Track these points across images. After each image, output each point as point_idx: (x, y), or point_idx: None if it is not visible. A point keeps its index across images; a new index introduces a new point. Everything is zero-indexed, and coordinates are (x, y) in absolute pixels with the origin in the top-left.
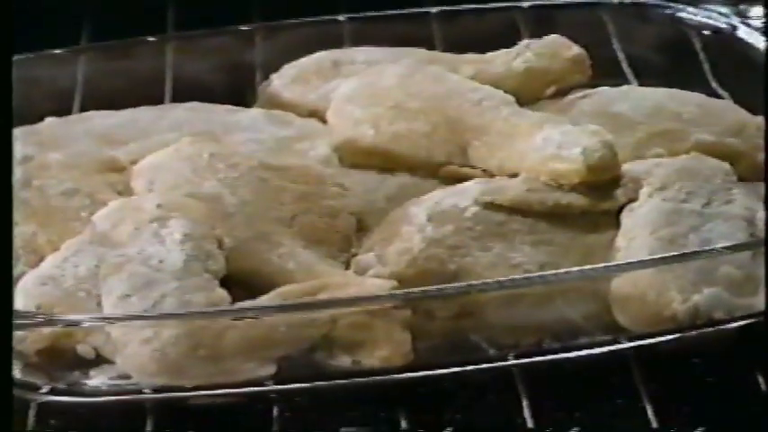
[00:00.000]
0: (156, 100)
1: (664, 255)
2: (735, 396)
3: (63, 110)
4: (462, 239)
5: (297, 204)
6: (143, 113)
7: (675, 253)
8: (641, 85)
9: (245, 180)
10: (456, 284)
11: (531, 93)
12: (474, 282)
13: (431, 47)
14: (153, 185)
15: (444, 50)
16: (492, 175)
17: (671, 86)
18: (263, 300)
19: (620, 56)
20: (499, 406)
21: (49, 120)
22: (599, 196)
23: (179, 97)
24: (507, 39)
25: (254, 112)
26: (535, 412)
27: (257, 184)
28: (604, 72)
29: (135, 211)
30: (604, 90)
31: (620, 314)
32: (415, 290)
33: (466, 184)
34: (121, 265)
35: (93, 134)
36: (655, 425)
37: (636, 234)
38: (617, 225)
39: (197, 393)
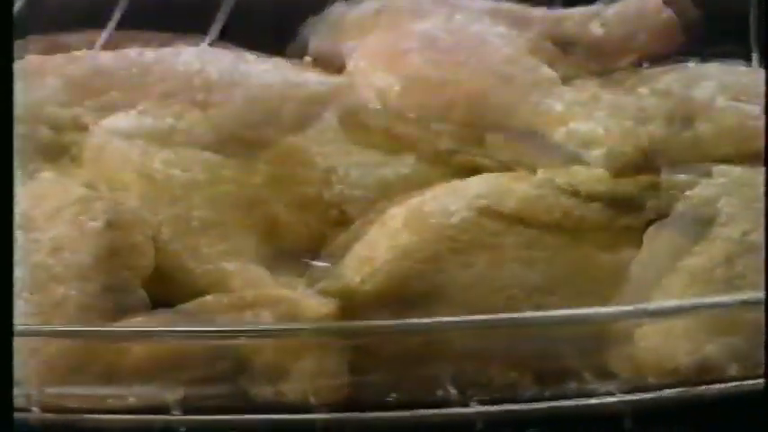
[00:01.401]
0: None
1: (673, 304)
2: None
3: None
4: (440, 252)
5: (262, 190)
6: (139, 56)
7: (686, 303)
8: None
9: (205, 157)
10: (402, 322)
11: (603, 61)
12: (424, 320)
13: None
14: (101, 156)
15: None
16: (510, 170)
17: None
18: (180, 309)
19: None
20: None
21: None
22: (623, 208)
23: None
24: None
25: (268, 65)
26: None
27: (220, 162)
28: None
29: (60, 187)
30: (693, 66)
31: (615, 359)
32: (348, 325)
33: (469, 180)
34: (29, 254)
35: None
36: None
37: (654, 263)
38: (639, 242)
39: (84, 417)
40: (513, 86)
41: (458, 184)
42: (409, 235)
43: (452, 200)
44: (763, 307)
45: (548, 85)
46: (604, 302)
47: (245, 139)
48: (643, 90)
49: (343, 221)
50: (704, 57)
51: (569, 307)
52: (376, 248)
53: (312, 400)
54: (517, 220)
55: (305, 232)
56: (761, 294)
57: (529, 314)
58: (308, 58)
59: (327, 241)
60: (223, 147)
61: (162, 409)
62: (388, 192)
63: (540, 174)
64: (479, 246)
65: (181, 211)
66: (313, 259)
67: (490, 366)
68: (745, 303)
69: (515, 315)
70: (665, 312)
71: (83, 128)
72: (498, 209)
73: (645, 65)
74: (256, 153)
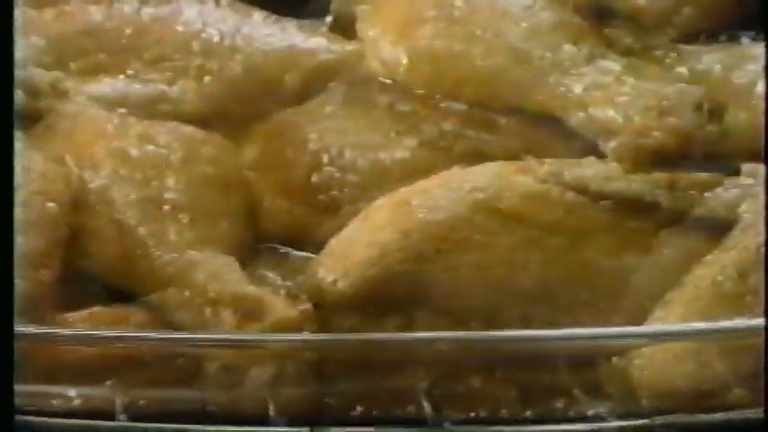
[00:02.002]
0: None
1: (663, 328)
2: None
3: None
4: (424, 252)
5: (245, 170)
6: (136, 14)
7: (675, 327)
8: None
9: (186, 132)
10: (366, 337)
11: (641, 36)
12: (391, 335)
13: None
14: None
15: None
16: (517, 158)
17: None
18: (141, 302)
19: None
20: None
21: None
22: (634, 209)
23: None
24: None
25: (274, 29)
26: None
27: (202, 139)
28: None
29: (23, 161)
30: (744, 45)
31: (608, 376)
32: (305, 338)
33: (468, 170)
34: None
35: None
36: None
37: (661, 273)
38: (647, 249)
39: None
40: (530, 65)
41: (455, 173)
42: (392, 232)
43: (445, 193)
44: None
45: (568, 65)
46: (599, 315)
47: (240, 111)
48: (681, 70)
49: (332, 209)
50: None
51: (559, 319)
52: (354, 245)
53: (271, 410)
54: (514, 218)
55: (289, 220)
56: (761, 321)
57: (509, 333)
58: (329, 18)
59: (313, 231)
60: (213, 119)
61: (107, 413)
62: (384, 178)
63: (548, 166)
64: (468, 246)
65: (152, 193)
66: (297, 250)
67: (470, 378)
68: (744, 330)
69: (494, 333)
70: (654, 336)
71: (62, 93)
72: (495, 205)
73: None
74: (247, 127)
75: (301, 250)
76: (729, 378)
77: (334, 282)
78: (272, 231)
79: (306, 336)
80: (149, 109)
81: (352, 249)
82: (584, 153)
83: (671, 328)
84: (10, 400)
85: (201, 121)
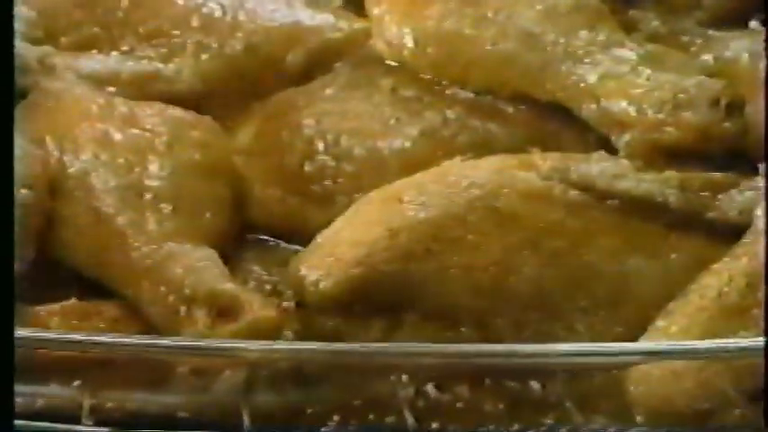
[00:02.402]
0: None
1: (657, 346)
2: None
3: None
4: (413, 252)
5: (235, 156)
6: None
7: (671, 346)
8: None
9: (175, 114)
10: (340, 348)
11: (669, 19)
12: (368, 346)
13: None
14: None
15: None
16: (524, 151)
17: None
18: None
19: None
20: None
21: None
22: (642, 210)
23: None
24: None
25: (280, 3)
26: None
27: (192, 122)
28: None
29: None
30: None
31: (602, 390)
32: (276, 347)
33: (468, 164)
34: None
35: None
36: None
37: (666, 280)
38: (653, 254)
39: None
40: (542, 51)
41: (453, 167)
42: (380, 230)
43: (439, 188)
44: (762, 353)
45: (582, 53)
46: (597, 323)
47: (238, 91)
48: (706, 57)
49: (325, 200)
50: None
51: (553, 327)
52: (339, 242)
53: (245, 419)
54: (512, 217)
55: (279, 210)
56: (760, 341)
57: (496, 346)
58: None
59: (304, 223)
60: (208, 100)
61: (73, 417)
62: (380, 169)
63: (552, 161)
64: (461, 247)
65: (133, 180)
66: (287, 243)
67: (457, 387)
68: (743, 350)
69: (479, 347)
70: (649, 354)
71: (50, 69)
72: (492, 203)
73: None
74: (245, 108)
75: (291, 243)
76: (731, 397)
77: (317, 281)
78: (261, 222)
79: (279, 344)
80: (141, 88)
81: (338, 247)
82: (596, 147)
83: (666, 346)
84: (10, 402)
85: (196, 101)
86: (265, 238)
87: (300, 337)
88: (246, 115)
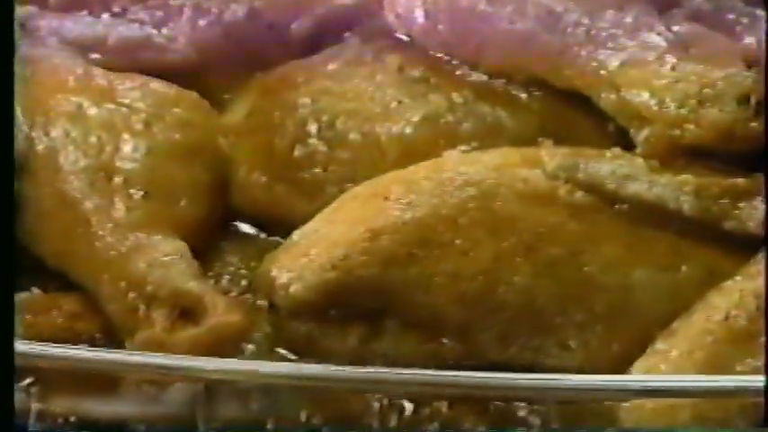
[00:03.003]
0: None
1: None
2: None
3: None
4: (395, 256)
5: (219, 136)
6: None
7: (667, 383)
8: None
9: (158, 88)
10: (304, 371)
11: None
12: (331, 370)
13: None
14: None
15: None
16: (534, 142)
17: None
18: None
19: None
20: None
21: None
22: (653, 215)
23: None
24: None
25: None
26: None
27: (174, 97)
28: None
29: None
30: None
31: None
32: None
33: (468, 157)
34: None
35: None
36: None
37: (674, 295)
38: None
39: None
40: (562, 33)
41: (449, 160)
42: (361, 230)
43: (431, 186)
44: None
45: (607, 36)
46: (592, 340)
47: (236, 62)
48: (749, 40)
49: (314, 190)
50: None
51: (544, 343)
52: (316, 241)
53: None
54: (508, 220)
55: (264, 198)
56: (761, 381)
57: (476, 375)
58: None
59: (290, 213)
60: (203, 72)
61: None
62: (377, 157)
63: (560, 158)
64: (448, 252)
65: (104, 161)
66: (272, 234)
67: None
68: (743, 390)
69: (458, 377)
70: (640, 393)
71: (31, 33)
72: (488, 204)
73: None
74: (241, 82)
75: (275, 234)
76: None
77: (287, 284)
78: (244, 210)
79: (235, 364)
80: (129, 56)
81: (314, 247)
82: (615, 140)
83: (660, 384)
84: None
85: (189, 73)
86: (247, 227)
87: (272, 340)
88: (243, 90)
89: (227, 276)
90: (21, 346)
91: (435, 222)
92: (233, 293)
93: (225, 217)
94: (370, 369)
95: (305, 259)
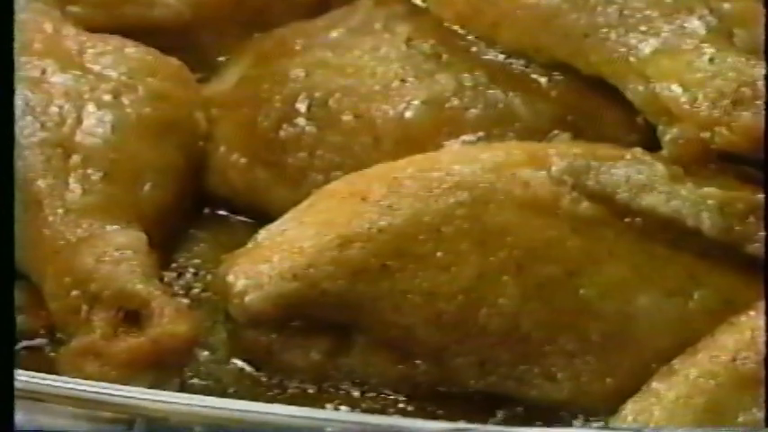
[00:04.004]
0: None
1: None
2: None
3: None
4: (366, 266)
5: (198, 110)
6: None
7: None
8: None
9: (135, 55)
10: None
11: None
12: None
13: None
14: None
15: None
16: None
17: None
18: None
19: None
20: None
21: None
22: (668, 230)
23: None
24: None
25: None
26: None
27: (151, 65)
28: None
29: None
30: None
31: None
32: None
33: (466, 152)
34: None
35: None
36: None
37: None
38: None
39: None
40: (591, 12)
41: (447, 155)
42: (331, 236)
43: (416, 187)
44: None
45: (641, 18)
46: (583, 373)
47: (234, 22)
48: None
49: (297, 177)
50: None
51: (526, 374)
52: (281, 244)
53: None
54: (498, 232)
55: (243, 182)
56: None
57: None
58: None
59: (270, 200)
60: (196, 31)
61: None
62: (369, 144)
63: (571, 158)
64: (426, 265)
65: (63, 135)
66: (253, 218)
67: None
68: None
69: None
70: None
71: None
72: (478, 213)
73: None
74: (235, 46)
75: (252, 222)
76: None
77: (243, 292)
78: (220, 193)
79: (167, 397)
80: (112, 10)
81: (277, 251)
82: (642, 135)
83: None
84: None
85: (178, 31)
86: (223, 213)
87: (229, 350)
88: (237, 54)
89: (191, 270)
90: None
91: (415, 231)
92: (195, 289)
93: (197, 202)
94: (308, 411)
95: (265, 265)
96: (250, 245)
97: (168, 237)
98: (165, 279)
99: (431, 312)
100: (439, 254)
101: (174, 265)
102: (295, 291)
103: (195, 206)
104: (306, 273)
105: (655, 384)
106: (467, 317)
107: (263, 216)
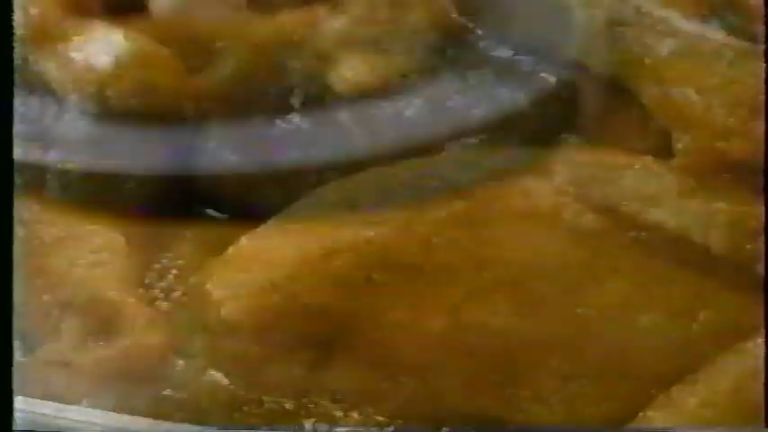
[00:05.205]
0: None
1: None
2: None
3: None
4: (354, 278)
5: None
6: None
7: None
8: None
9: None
10: None
11: None
12: None
13: None
14: None
15: None
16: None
17: None
18: None
19: None
20: None
21: None
22: (679, 247)
23: None
24: None
25: None
26: None
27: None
28: None
29: None
30: None
31: None
32: None
33: (480, 155)
34: None
35: None
36: None
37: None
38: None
39: None
40: (606, 7)
41: (443, 159)
42: (315, 248)
43: (409, 195)
44: None
45: (657, 18)
46: (576, 398)
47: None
48: None
49: (291, 175)
50: None
51: (517, 396)
52: (262, 252)
53: None
54: (495, 246)
55: (234, 180)
56: None
57: None
58: None
59: (261, 199)
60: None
61: None
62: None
63: (575, 167)
64: (413, 279)
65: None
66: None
67: None
68: None
69: None
70: None
71: None
72: (473, 223)
73: None
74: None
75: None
76: None
77: (220, 302)
78: (208, 193)
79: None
80: None
81: (257, 260)
82: (655, 143)
83: None
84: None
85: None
86: (211, 212)
87: (206, 360)
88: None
89: (174, 271)
90: None
91: (404, 241)
92: (177, 292)
93: (184, 200)
94: None
95: (244, 275)
96: (231, 251)
97: (152, 236)
98: (147, 281)
99: (416, 331)
100: (428, 267)
101: (156, 265)
102: (272, 305)
103: (182, 204)
104: (284, 285)
105: (650, 414)
106: (454, 337)
107: (252, 216)
